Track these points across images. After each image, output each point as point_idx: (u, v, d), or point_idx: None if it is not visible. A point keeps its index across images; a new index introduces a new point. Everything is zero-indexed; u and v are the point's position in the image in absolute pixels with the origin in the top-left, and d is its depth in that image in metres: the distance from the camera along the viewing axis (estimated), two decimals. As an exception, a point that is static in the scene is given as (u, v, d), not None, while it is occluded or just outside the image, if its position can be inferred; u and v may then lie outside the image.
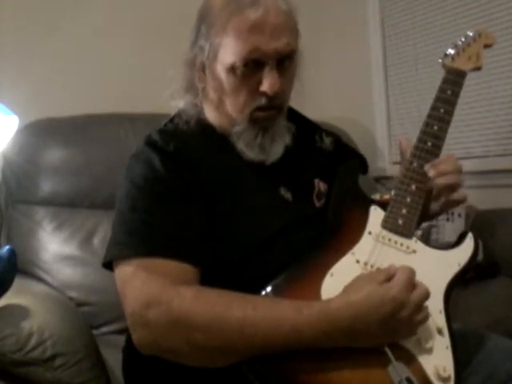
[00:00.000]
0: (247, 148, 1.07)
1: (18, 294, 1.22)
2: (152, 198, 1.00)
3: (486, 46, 1.19)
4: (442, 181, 1.05)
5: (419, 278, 0.92)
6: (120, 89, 1.96)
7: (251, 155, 1.08)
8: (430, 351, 0.92)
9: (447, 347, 0.94)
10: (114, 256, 0.97)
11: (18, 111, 1.49)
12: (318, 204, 1.13)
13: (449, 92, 1.12)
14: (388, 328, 0.88)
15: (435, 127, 1.09)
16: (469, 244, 1.06)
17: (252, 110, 1.05)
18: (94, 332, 1.46)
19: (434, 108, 1.11)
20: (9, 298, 1.16)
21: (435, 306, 0.95)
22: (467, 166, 2.18)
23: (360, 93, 2.58)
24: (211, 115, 1.13)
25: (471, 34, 1.19)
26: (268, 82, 1.02)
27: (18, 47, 1.85)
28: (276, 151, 1.09)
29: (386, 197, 1.11)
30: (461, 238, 1.07)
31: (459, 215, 2.00)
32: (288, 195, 1.10)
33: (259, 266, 0.99)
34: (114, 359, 1.24)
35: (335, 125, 2.19)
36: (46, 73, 1.85)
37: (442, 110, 1.10)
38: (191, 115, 1.11)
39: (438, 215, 1.13)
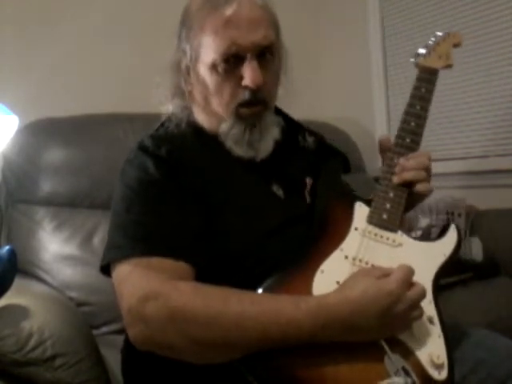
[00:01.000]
0: (236, 145, 1.08)
1: (18, 294, 1.21)
2: (147, 200, 1.00)
3: (455, 46, 1.22)
4: (404, 175, 1.07)
5: None
6: (120, 89, 1.96)
7: (240, 152, 1.08)
8: (423, 341, 0.94)
9: (439, 335, 0.95)
10: (111, 259, 0.98)
11: (18, 111, 1.48)
12: (309, 201, 1.14)
13: (423, 90, 1.16)
14: (384, 322, 0.89)
15: (412, 123, 1.13)
16: (452, 235, 1.08)
17: (237, 106, 1.06)
18: (94, 332, 1.46)
19: (410, 105, 1.15)
20: (9, 298, 1.16)
21: None
22: (467, 166, 2.21)
23: (360, 93, 2.58)
24: (200, 117, 1.13)
25: (440, 33, 1.23)
26: (249, 75, 1.03)
27: (17, 47, 1.85)
28: (265, 147, 1.09)
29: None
30: (444, 230, 1.09)
31: (459, 215, 2.01)
32: (280, 192, 1.11)
33: (256, 263, 1.00)
34: (113, 359, 1.23)
35: (335, 125, 2.19)
36: (45, 73, 1.85)
37: (417, 107, 1.14)
38: (181, 118, 1.12)
39: (412, 206, 1.14)
